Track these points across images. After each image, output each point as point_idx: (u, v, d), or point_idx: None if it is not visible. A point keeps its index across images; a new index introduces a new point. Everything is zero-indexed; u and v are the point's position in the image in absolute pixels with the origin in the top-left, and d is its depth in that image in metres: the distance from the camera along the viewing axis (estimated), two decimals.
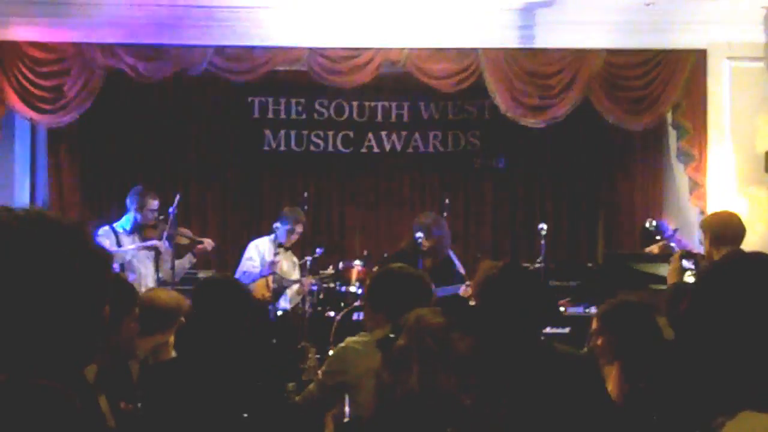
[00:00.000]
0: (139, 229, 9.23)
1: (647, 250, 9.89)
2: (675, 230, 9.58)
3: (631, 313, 4.71)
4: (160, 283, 9.00)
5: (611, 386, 4.43)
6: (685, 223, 10.64)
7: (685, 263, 6.97)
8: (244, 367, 4.21)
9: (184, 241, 9.35)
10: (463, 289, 8.62)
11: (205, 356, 4.31)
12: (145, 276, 9.13)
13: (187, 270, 9.54)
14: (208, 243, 9.49)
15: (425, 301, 4.56)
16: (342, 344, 4.82)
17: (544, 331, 4.33)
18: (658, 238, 9.64)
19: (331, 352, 5.37)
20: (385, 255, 9.77)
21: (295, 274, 9.98)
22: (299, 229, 9.81)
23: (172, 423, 4.08)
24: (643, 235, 10.46)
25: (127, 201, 9.32)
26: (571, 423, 3.65)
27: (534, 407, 3.12)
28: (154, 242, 9.10)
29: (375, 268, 9.74)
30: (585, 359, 4.33)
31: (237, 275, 9.50)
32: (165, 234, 9.12)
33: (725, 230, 6.99)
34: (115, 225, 9.25)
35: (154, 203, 9.27)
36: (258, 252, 9.79)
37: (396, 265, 5.11)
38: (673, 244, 9.27)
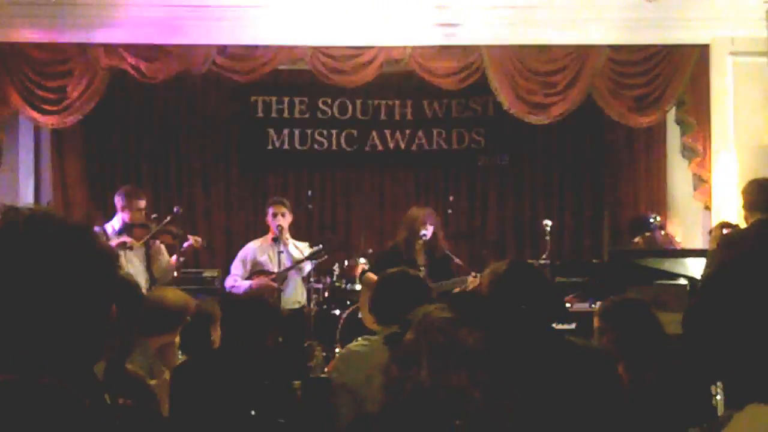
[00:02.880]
0: (127, 229, 9.15)
1: (634, 241, 9.98)
2: (658, 222, 9.63)
3: (628, 309, 4.72)
4: (153, 282, 8.95)
5: None
6: (689, 218, 10.65)
7: (725, 232, 7.11)
8: (252, 366, 4.22)
9: (168, 239, 9.21)
10: (471, 280, 8.61)
11: (213, 356, 4.32)
12: (134, 275, 9.03)
13: (173, 268, 9.37)
14: (195, 240, 9.34)
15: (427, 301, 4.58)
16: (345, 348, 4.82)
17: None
18: (656, 231, 9.72)
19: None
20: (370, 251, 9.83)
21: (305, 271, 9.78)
22: (281, 209, 9.51)
23: (180, 421, 4.08)
24: (631, 226, 10.50)
25: (115, 200, 9.25)
26: (582, 418, 3.65)
27: (544, 401, 3.12)
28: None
29: (366, 266, 9.75)
30: (602, 354, 4.33)
31: (227, 286, 9.44)
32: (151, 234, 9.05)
33: (757, 196, 7.02)
34: (106, 225, 9.18)
35: (141, 203, 9.16)
36: (246, 259, 9.60)
37: (394, 270, 5.12)
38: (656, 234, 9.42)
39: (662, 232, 10.14)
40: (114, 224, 9.15)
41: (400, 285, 4.80)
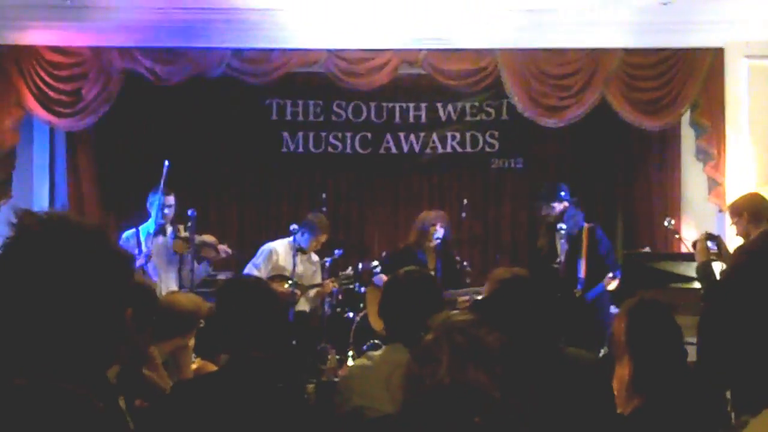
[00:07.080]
0: (162, 231, 9.18)
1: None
2: (671, 225, 9.50)
3: (650, 311, 4.69)
4: (181, 287, 8.97)
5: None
6: (703, 221, 10.60)
7: (709, 244, 7.14)
8: (265, 369, 4.21)
9: (211, 253, 9.23)
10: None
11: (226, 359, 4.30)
12: (166, 280, 9.10)
13: (202, 275, 9.41)
14: (222, 250, 9.35)
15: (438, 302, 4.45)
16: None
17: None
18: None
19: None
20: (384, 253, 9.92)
21: (317, 277, 9.88)
22: (323, 238, 9.71)
23: (192, 423, 4.08)
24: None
25: (147, 202, 9.29)
26: (576, 426, 3.66)
27: (547, 407, 3.13)
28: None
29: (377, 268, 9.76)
30: (594, 364, 4.33)
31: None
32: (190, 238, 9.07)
33: (762, 209, 7.16)
34: (140, 228, 9.20)
35: (170, 199, 9.22)
36: (271, 259, 9.65)
37: (404, 270, 4.83)
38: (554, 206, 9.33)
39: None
40: (149, 227, 9.15)
41: (411, 285, 4.55)
